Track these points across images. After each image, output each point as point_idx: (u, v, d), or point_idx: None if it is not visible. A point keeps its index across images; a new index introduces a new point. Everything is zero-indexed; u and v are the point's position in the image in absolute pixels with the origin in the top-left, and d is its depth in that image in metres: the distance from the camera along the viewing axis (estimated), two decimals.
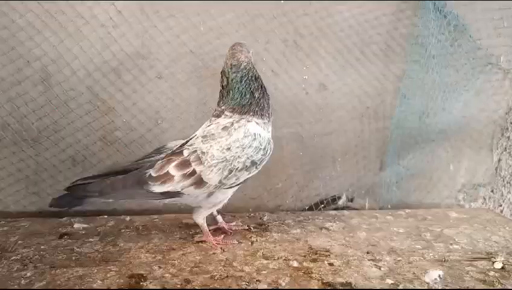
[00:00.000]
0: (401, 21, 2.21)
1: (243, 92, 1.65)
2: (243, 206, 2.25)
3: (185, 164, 1.60)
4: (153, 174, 1.60)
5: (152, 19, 2.02)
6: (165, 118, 2.13)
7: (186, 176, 1.59)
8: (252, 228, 1.94)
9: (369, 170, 2.35)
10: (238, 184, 1.68)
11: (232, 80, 1.65)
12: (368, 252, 1.73)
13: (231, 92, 1.66)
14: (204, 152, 1.60)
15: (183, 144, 1.67)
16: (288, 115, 2.22)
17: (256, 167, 1.65)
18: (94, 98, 2.05)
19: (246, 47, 1.69)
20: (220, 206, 1.77)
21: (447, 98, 2.27)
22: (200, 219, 1.75)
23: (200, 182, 1.60)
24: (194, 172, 1.59)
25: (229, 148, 1.59)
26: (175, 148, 1.70)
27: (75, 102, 2.04)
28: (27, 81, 1.98)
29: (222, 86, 1.70)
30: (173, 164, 1.60)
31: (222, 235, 1.83)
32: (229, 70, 1.66)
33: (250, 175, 1.66)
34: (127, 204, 2.15)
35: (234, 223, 1.96)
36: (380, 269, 1.60)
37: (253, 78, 1.66)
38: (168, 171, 1.59)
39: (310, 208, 2.32)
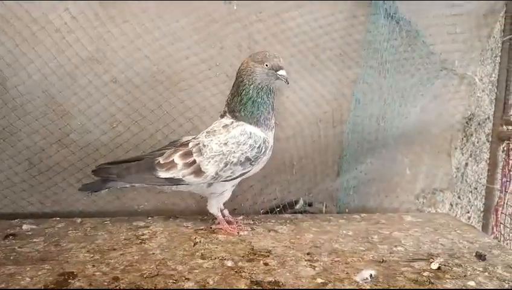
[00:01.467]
0: (354, 27, 2.23)
1: (246, 103, 1.78)
2: (197, 210, 2.26)
3: (188, 154, 1.79)
4: (161, 161, 1.80)
5: (107, 24, 2.06)
6: (121, 121, 2.16)
7: (187, 165, 1.78)
8: (256, 223, 2.05)
9: (326, 175, 2.36)
10: (234, 178, 1.82)
11: (237, 88, 1.80)
12: (308, 253, 1.73)
13: (235, 99, 1.80)
14: (205, 145, 1.78)
15: (193, 138, 1.85)
16: None
17: (251, 164, 1.78)
18: (50, 101, 2.08)
19: (261, 58, 1.76)
20: (224, 198, 1.93)
21: (404, 103, 2.28)
22: (214, 209, 1.92)
23: (198, 172, 1.77)
24: (194, 162, 1.77)
25: (226, 143, 1.76)
26: (184, 140, 1.88)
27: (31, 105, 2.07)
28: None
29: (230, 92, 1.84)
30: (178, 153, 1.80)
31: (236, 223, 1.99)
32: (236, 80, 1.82)
33: (246, 171, 1.80)
34: (84, 206, 2.18)
35: (241, 218, 2.10)
36: (314, 269, 1.59)
37: (261, 91, 1.78)
38: (173, 159, 1.79)
39: (266, 212, 2.32)
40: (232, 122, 1.79)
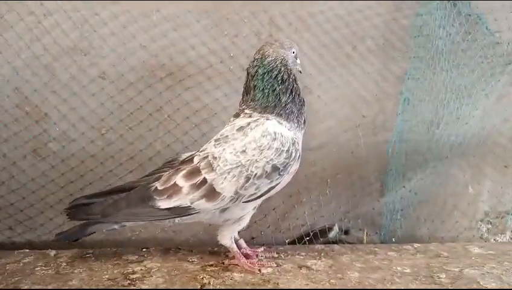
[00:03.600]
0: (400, 10, 1.88)
1: (266, 92, 1.42)
2: (207, 239, 1.82)
3: (195, 172, 1.39)
4: (159, 187, 1.40)
5: (92, 5, 1.73)
6: (112, 126, 1.78)
7: (196, 187, 1.37)
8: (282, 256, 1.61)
9: (367, 195, 1.94)
10: (260, 196, 1.42)
11: (253, 75, 1.44)
12: None
13: (252, 90, 1.44)
14: (216, 157, 1.38)
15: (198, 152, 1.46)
16: None
17: (279, 174, 1.39)
18: (22, 102, 1.75)
19: (283, 43, 1.47)
20: (241, 225, 1.51)
21: (462, 105, 1.87)
22: (227, 239, 1.49)
23: (212, 194, 1.37)
24: (204, 181, 1.37)
25: (244, 151, 1.36)
26: (185, 157, 1.49)
27: None
28: None
29: (245, 83, 1.48)
30: (181, 173, 1.40)
31: (255, 257, 1.55)
32: (251, 63, 1.45)
33: (274, 185, 1.41)
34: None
35: (262, 250, 1.63)
36: None
37: (280, 78, 1.43)
38: (175, 182, 1.39)
39: (293, 242, 1.89)
40: (249, 122, 1.40)
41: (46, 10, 1.68)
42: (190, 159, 1.43)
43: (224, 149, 1.37)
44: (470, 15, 1.84)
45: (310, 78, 1.84)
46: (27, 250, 1.64)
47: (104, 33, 1.72)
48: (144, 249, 1.66)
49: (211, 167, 1.36)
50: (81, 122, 1.76)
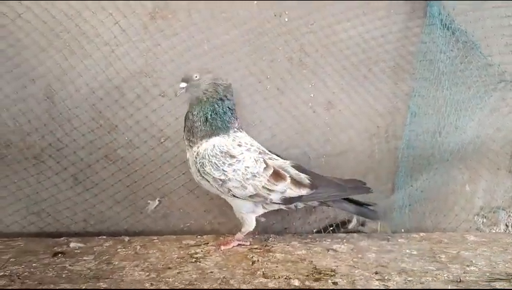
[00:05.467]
0: (408, 38, 2.15)
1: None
2: None
3: None
4: None
5: (156, 37, 2.02)
6: (169, 136, 2.09)
7: None
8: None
9: (380, 192, 2.23)
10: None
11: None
12: (376, 273, 1.61)
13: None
14: None
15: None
16: (294, 135, 2.16)
17: None
18: (97, 116, 2.04)
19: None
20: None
21: (460, 117, 2.15)
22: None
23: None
24: None
25: None
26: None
27: (78, 120, 2.03)
28: (31, 99, 1.99)
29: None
30: None
31: None
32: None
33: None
34: (129, 225, 2.10)
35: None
36: (388, 288, 1.47)
37: None
38: None
39: (319, 231, 2.20)
40: None
41: (118, 41, 1.97)
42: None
43: None
44: (466, 42, 2.13)
45: (333, 95, 2.15)
46: (104, 237, 1.99)
47: (164, 60, 2.01)
48: (198, 236, 2.01)
49: None
50: (144, 132, 2.05)
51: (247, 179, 1.72)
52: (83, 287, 1.44)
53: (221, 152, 1.72)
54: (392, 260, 1.74)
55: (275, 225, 2.19)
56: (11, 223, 2.02)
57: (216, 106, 1.77)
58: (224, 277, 1.54)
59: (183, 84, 1.77)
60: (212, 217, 2.16)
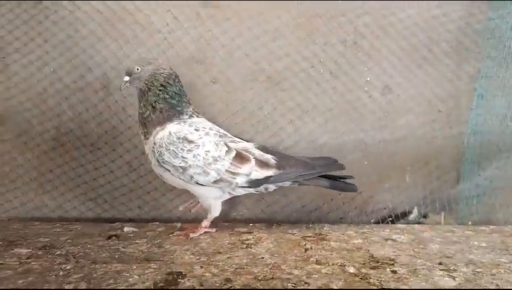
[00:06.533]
0: (474, 16, 2.02)
1: None
2: (300, 217, 2.09)
3: None
4: None
5: (207, 23, 2.02)
6: (220, 123, 2.06)
7: None
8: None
9: (444, 182, 2.10)
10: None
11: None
12: (440, 263, 1.49)
13: None
14: None
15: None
16: (349, 120, 2.07)
17: None
18: None
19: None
20: None
21: None
22: None
23: None
24: None
25: None
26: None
27: (133, 108, 2.04)
28: (88, 88, 2.04)
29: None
30: None
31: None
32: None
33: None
34: (181, 212, 2.09)
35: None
36: (454, 279, 1.35)
37: None
38: None
39: (377, 222, 2.10)
40: None
41: (170, 29, 1.99)
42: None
43: None
44: None
45: (391, 78, 2.05)
46: (157, 223, 2.00)
47: (215, 45, 2.01)
48: (251, 224, 1.97)
49: None
50: None
51: (209, 163, 1.64)
52: (134, 267, 1.43)
53: (178, 138, 1.63)
54: (458, 251, 1.61)
55: (330, 215, 2.10)
56: (70, 209, 2.08)
57: (159, 91, 1.68)
58: (275, 262, 1.49)
59: (127, 78, 1.71)
60: (265, 205, 2.11)
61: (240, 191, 1.76)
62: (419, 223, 2.07)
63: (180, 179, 1.67)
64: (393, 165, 2.09)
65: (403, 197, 2.11)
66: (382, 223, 2.08)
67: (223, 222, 2.01)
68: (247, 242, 1.71)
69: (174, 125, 1.66)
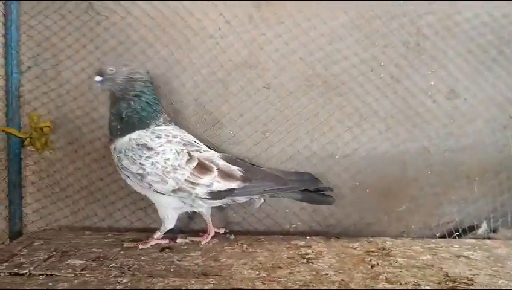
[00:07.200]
0: None
1: None
2: (359, 230, 1.98)
3: None
4: None
5: (260, 27, 1.94)
6: (273, 130, 1.99)
7: None
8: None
9: None
10: None
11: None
12: None
13: None
14: None
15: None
16: (412, 127, 1.94)
17: None
18: (201, 110, 1.99)
19: None
20: None
21: None
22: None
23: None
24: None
25: None
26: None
27: (182, 114, 2.00)
28: None
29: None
30: None
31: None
32: None
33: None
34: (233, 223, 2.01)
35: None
36: None
37: None
38: None
39: (442, 237, 1.96)
40: None
41: (222, 33, 1.92)
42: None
43: None
44: None
45: (457, 82, 1.91)
46: None
47: (269, 49, 1.93)
48: (307, 237, 1.87)
49: None
50: (248, 126, 1.97)
51: (167, 172, 1.58)
52: (192, 282, 1.35)
53: (138, 145, 1.60)
54: None
55: (391, 228, 1.98)
56: (120, 218, 2.04)
57: (132, 102, 1.63)
58: (342, 280, 1.38)
59: (98, 78, 1.65)
60: (321, 218, 2.00)
61: (201, 204, 1.70)
62: (489, 238, 1.91)
63: (139, 186, 1.63)
64: (460, 175, 1.95)
65: (470, 210, 1.96)
66: (449, 237, 1.93)
67: (278, 234, 1.92)
68: (307, 257, 1.62)
69: (135, 132, 1.63)
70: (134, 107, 1.64)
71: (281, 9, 1.93)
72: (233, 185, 1.63)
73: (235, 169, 1.66)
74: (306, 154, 1.98)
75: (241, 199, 1.72)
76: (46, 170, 2.04)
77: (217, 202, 1.71)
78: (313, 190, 1.76)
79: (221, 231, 1.87)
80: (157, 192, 1.63)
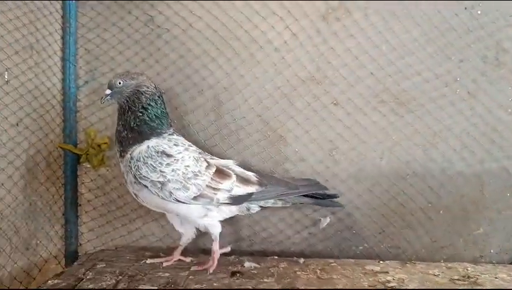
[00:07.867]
0: None
1: None
2: (430, 254, 1.87)
3: None
4: None
5: (328, 40, 1.86)
6: (340, 148, 1.90)
7: None
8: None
9: None
10: None
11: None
12: None
13: None
14: None
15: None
16: (490, 146, 1.84)
17: None
18: (264, 126, 1.92)
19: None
20: None
21: None
22: None
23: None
24: None
25: None
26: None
27: (245, 131, 1.92)
28: (199, 110, 1.93)
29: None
30: None
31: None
32: None
33: None
34: (295, 246, 1.92)
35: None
36: None
37: None
38: None
39: None
40: None
41: (288, 47, 1.85)
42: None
43: None
44: None
45: None
46: (276, 257, 1.84)
47: (337, 64, 1.85)
48: (380, 261, 1.77)
49: None
50: (313, 143, 1.89)
51: (188, 178, 1.56)
52: None
53: (157, 152, 1.56)
54: None
55: (466, 252, 1.87)
56: (177, 238, 1.93)
57: (139, 114, 1.59)
58: None
59: (108, 91, 1.62)
60: (390, 240, 1.90)
61: (224, 210, 1.67)
62: None
63: (159, 196, 1.55)
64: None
65: None
66: None
67: (344, 257, 1.83)
68: (389, 285, 1.53)
69: (152, 140, 1.59)
70: (142, 118, 1.60)
71: (350, 22, 1.85)
72: (252, 189, 1.64)
73: (251, 174, 1.67)
74: (371, 173, 1.89)
75: (256, 207, 1.71)
76: (103, 187, 1.98)
77: (236, 210, 1.69)
78: (321, 195, 1.76)
79: (227, 249, 1.79)
80: (178, 201, 1.58)
